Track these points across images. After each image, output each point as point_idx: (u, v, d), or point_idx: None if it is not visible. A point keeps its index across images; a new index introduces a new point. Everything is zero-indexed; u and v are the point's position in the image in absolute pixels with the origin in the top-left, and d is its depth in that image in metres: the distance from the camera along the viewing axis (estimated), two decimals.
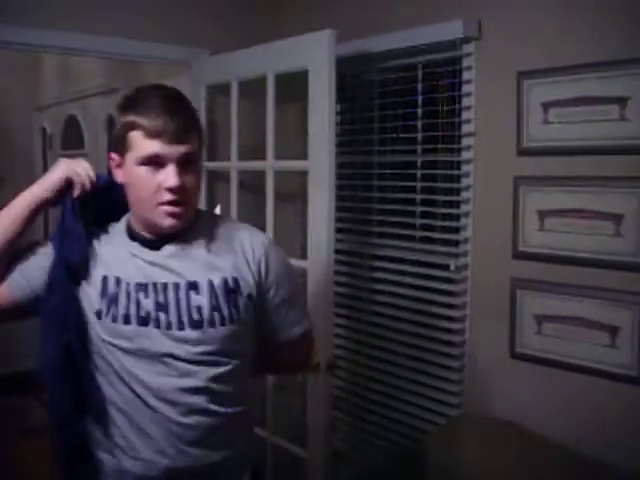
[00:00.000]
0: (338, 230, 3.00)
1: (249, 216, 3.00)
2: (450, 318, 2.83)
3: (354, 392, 3.28)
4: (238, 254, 1.67)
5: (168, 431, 1.58)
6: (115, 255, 1.64)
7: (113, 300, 1.60)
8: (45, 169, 5.96)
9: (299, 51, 2.74)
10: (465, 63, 2.71)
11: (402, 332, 3.03)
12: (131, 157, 1.56)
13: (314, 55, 2.66)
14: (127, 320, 1.58)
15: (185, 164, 1.55)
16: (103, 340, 1.59)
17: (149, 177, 1.54)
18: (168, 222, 1.57)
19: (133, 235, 1.66)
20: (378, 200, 3.15)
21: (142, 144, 1.53)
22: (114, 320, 1.58)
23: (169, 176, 1.52)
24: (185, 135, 1.54)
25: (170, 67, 3.65)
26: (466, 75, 2.71)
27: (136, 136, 1.53)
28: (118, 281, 1.61)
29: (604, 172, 2.31)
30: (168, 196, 1.54)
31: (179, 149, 1.53)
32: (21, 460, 2.75)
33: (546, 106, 2.45)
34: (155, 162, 1.53)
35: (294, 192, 3.32)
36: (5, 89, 5.74)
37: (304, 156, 2.79)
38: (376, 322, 3.16)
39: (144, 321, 1.58)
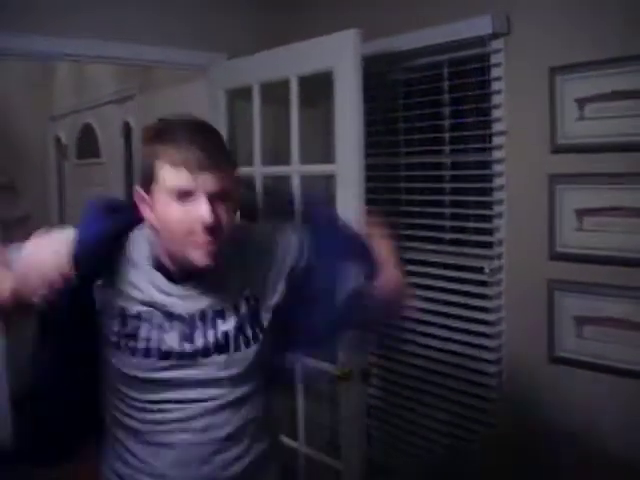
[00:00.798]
0: None
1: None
2: (485, 322, 2.75)
3: (389, 401, 3.22)
4: (269, 262, 1.64)
5: (186, 450, 1.56)
6: (137, 283, 1.55)
7: (132, 335, 1.53)
8: (60, 180, 5.94)
9: (323, 52, 2.67)
10: (494, 60, 2.64)
11: (436, 337, 2.96)
12: (158, 190, 1.45)
13: (339, 56, 2.59)
14: (147, 354, 1.52)
15: (217, 198, 1.43)
16: (119, 370, 1.55)
17: (180, 211, 1.43)
18: (202, 262, 1.46)
19: (158, 265, 1.55)
20: (406, 202, 3.08)
21: (169, 175, 1.42)
22: (133, 354, 1.53)
23: (202, 211, 1.41)
24: (215, 165, 1.42)
25: (186, 72, 3.60)
26: (495, 72, 2.64)
27: (163, 166, 1.43)
28: (139, 314, 1.54)
29: None
30: (202, 235, 1.43)
31: (208, 181, 1.41)
32: None
33: (581, 102, 2.38)
34: (185, 194, 1.42)
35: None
36: (19, 99, 5.71)
37: (327, 160, 2.73)
38: (408, 328, 3.08)
39: (166, 355, 1.53)
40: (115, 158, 5.00)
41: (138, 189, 1.51)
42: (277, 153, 3.14)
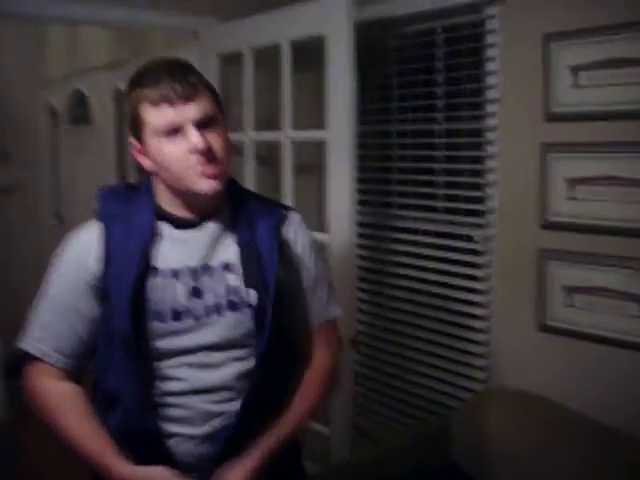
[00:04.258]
0: (359, 202, 2.91)
1: (265, 189, 2.93)
2: (475, 290, 2.76)
3: (376, 368, 3.22)
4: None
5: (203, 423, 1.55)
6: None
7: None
8: (53, 146, 5.89)
9: (316, 16, 2.64)
10: (489, 26, 2.61)
11: (425, 305, 2.96)
12: (148, 133, 1.48)
13: (332, 20, 2.56)
14: (160, 317, 1.52)
15: (205, 126, 1.46)
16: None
17: (172, 147, 1.45)
18: (206, 185, 1.47)
19: (162, 215, 1.57)
20: (398, 170, 3.07)
21: (153, 115, 1.45)
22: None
23: (192, 138, 1.44)
24: (193, 94, 1.45)
25: (179, 38, 3.55)
26: (490, 39, 2.62)
27: (146, 109, 1.46)
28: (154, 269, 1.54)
29: (637, 137, 2.22)
30: (198, 158, 1.45)
31: (190, 110, 1.44)
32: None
33: (575, 69, 2.36)
34: (173, 130, 1.45)
35: (309, 164, 3.24)
36: (8, 65, 5.64)
37: (320, 127, 2.70)
38: (398, 296, 3.09)
39: (177, 314, 1.52)
40: (107, 124, 4.96)
41: (131, 139, 1.53)
42: (269, 122, 3.11)
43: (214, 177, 1.47)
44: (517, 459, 2.36)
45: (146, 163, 1.53)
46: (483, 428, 2.49)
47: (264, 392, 1.56)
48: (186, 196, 1.52)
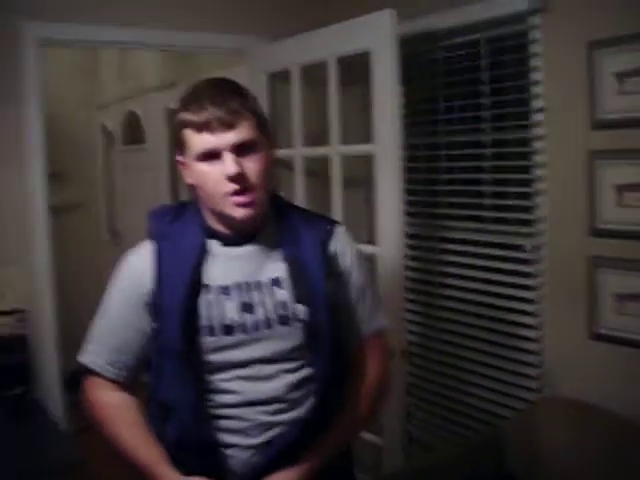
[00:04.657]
0: (407, 213, 2.94)
1: (314, 203, 2.98)
2: (526, 300, 2.75)
3: (428, 378, 3.23)
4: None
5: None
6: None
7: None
8: (107, 166, 6.05)
9: (360, 33, 2.69)
10: (532, 36, 2.62)
11: (476, 315, 2.97)
12: (189, 156, 1.54)
13: (376, 36, 2.61)
14: (211, 331, 1.57)
15: (243, 151, 1.52)
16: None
17: (209, 171, 1.52)
18: (239, 213, 1.54)
19: (210, 233, 1.63)
20: (447, 181, 3.09)
21: (194, 140, 1.51)
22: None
23: (226, 165, 1.49)
24: (234, 121, 1.50)
25: (227, 57, 3.64)
26: (533, 49, 2.62)
27: (188, 133, 1.52)
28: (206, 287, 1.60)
29: None
30: (231, 185, 1.51)
31: (228, 137, 1.49)
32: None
33: (620, 76, 2.35)
34: (211, 155, 1.51)
35: (358, 177, 3.28)
36: (65, 90, 5.83)
37: (367, 140, 2.74)
38: (448, 306, 3.10)
39: (229, 330, 1.57)
40: (159, 144, 5.08)
41: (178, 158, 1.61)
42: (316, 136, 3.17)
43: (246, 205, 1.53)
44: (572, 469, 2.35)
45: (189, 179, 1.59)
46: (537, 438, 2.48)
47: (323, 404, 1.60)
48: (225, 218, 1.58)
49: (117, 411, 1.66)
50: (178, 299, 1.55)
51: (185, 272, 1.57)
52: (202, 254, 1.60)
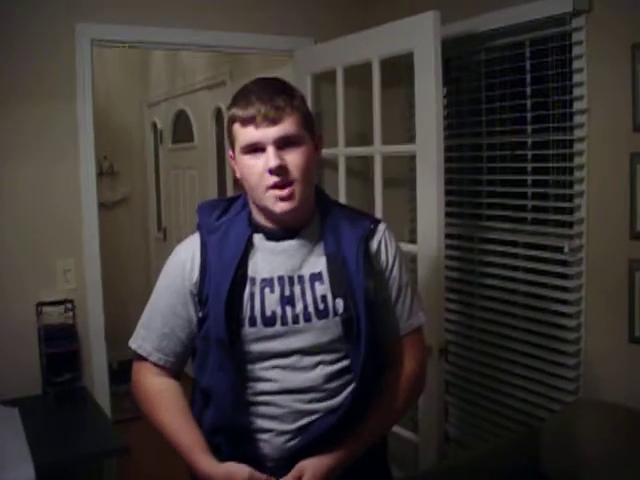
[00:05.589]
0: (447, 214, 2.97)
1: (357, 202, 3.02)
2: (565, 301, 2.75)
3: (466, 377, 3.25)
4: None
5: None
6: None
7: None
8: (157, 164, 6.18)
9: (404, 34, 2.72)
10: (575, 38, 2.62)
11: (515, 316, 2.98)
12: (237, 149, 1.62)
13: (419, 37, 2.64)
14: (253, 322, 1.63)
15: (286, 145, 1.58)
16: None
17: (253, 164, 1.59)
18: (278, 207, 1.59)
19: (256, 227, 1.69)
20: (487, 182, 3.10)
21: (240, 133, 1.59)
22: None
23: (268, 158, 1.56)
24: (278, 117, 1.56)
25: (274, 58, 3.71)
26: (576, 50, 2.62)
27: (236, 128, 1.60)
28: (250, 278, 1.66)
29: None
30: (271, 179, 1.57)
31: (271, 131, 1.56)
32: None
33: None
34: (255, 149, 1.58)
35: (401, 177, 3.31)
36: (121, 86, 5.98)
37: (410, 140, 2.77)
38: (487, 306, 3.11)
39: (270, 322, 1.63)
40: (207, 142, 5.18)
41: (229, 151, 1.69)
42: (360, 136, 3.21)
43: (286, 199, 1.59)
44: (607, 472, 2.34)
45: (237, 173, 1.68)
46: (573, 440, 2.48)
47: (359, 396, 1.65)
48: (267, 212, 1.65)
49: (161, 395, 1.71)
50: (222, 291, 1.61)
51: (231, 265, 1.63)
52: (247, 248, 1.66)
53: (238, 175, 1.67)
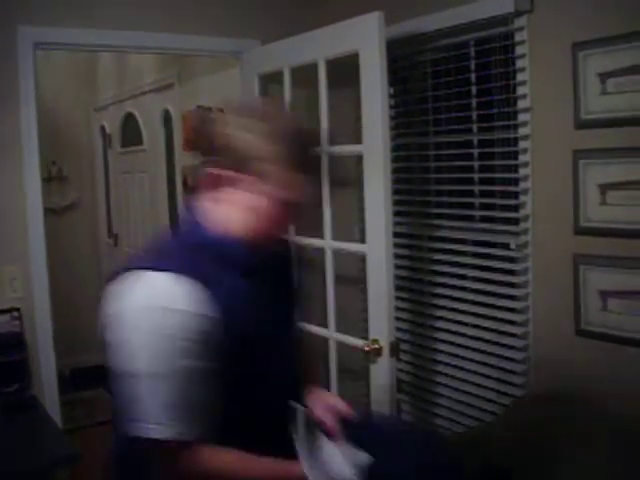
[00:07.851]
0: (396, 213, 2.99)
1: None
2: (513, 297, 2.79)
3: (419, 375, 3.28)
4: None
5: None
6: None
7: None
8: (106, 168, 6.11)
9: (349, 35, 2.73)
10: (518, 38, 2.66)
11: (464, 313, 3.01)
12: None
13: (364, 38, 2.65)
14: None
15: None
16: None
17: None
18: None
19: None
20: (435, 181, 3.13)
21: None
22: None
23: None
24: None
25: (222, 60, 3.70)
26: (519, 50, 2.66)
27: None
28: None
29: None
30: None
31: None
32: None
33: (603, 76, 2.39)
34: None
35: (350, 177, 3.32)
36: (68, 89, 5.90)
37: (358, 141, 2.79)
38: (437, 304, 3.14)
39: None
40: (157, 145, 5.13)
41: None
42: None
43: None
44: (557, 465, 2.38)
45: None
46: (523, 433, 2.52)
47: None
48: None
49: (221, 462, 1.50)
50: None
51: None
52: None
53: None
